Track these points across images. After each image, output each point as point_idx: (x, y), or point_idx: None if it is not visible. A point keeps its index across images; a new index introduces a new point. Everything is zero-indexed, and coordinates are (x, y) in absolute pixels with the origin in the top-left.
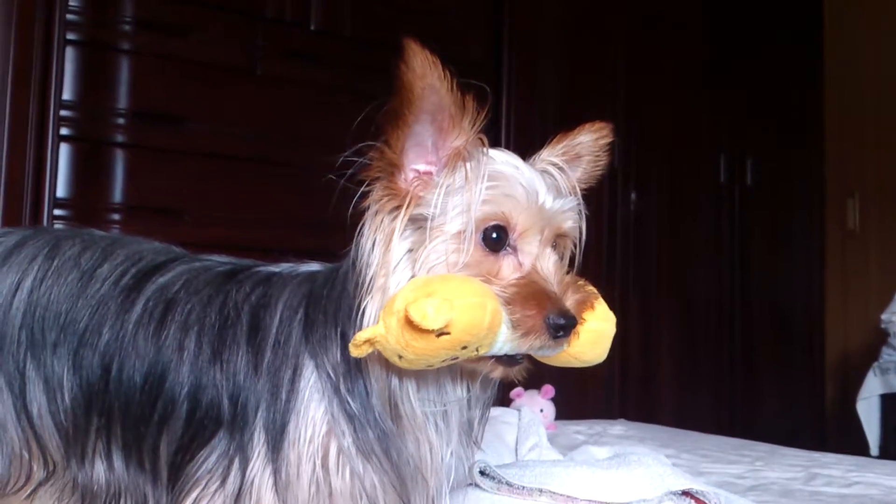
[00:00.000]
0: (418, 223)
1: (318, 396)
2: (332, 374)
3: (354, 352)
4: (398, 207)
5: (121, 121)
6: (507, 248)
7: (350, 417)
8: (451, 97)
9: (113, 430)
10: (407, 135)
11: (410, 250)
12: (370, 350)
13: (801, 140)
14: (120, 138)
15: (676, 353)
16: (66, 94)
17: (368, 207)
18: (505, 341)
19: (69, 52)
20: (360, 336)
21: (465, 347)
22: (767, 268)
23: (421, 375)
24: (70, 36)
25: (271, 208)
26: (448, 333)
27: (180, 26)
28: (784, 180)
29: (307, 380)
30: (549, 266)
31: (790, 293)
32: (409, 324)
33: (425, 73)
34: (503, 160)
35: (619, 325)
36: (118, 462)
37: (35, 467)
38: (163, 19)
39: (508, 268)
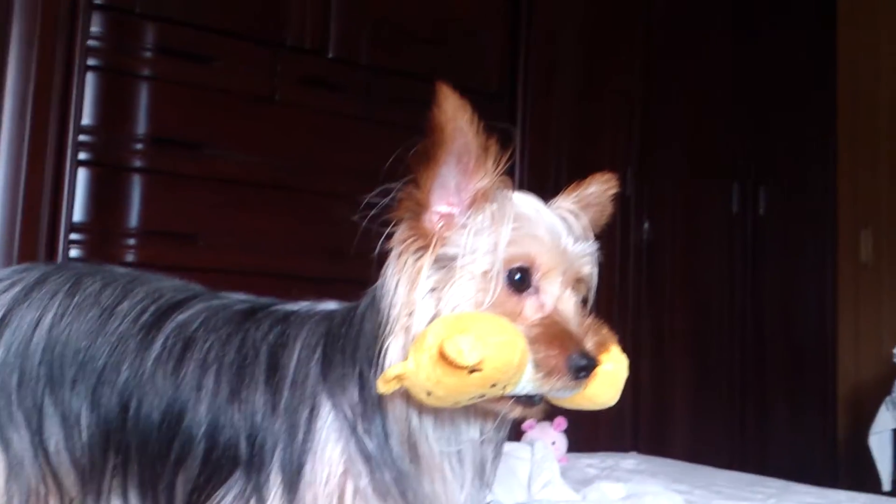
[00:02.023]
0: (442, 263)
1: (335, 436)
2: (349, 415)
3: (382, 388)
4: (423, 247)
5: (139, 146)
6: (531, 288)
7: (367, 458)
8: (478, 140)
9: (130, 468)
10: (436, 176)
11: (433, 289)
12: (398, 386)
13: (815, 171)
14: (138, 163)
15: (689, 385)
16: (86, 119)
17: (392, 247)
18: (528, 381)
19: (89, 78)
20: (390, 372)
21: (493, 385)
22: (780, 300)
23: (438, 416)
24: (91, 61)
25: (287, 235)
26: (480, 371)
27: (200, 54)
28: (797, 211)
29: (324, 420)
30: (570, 307)
31: (803, 325)
32: (443, 360)
33: (456, 115)
34: (524, 202)
35: (631, 355)
36: (134, 500)
37: (52, 503)
38: (182, 47)
39: (531, 308)
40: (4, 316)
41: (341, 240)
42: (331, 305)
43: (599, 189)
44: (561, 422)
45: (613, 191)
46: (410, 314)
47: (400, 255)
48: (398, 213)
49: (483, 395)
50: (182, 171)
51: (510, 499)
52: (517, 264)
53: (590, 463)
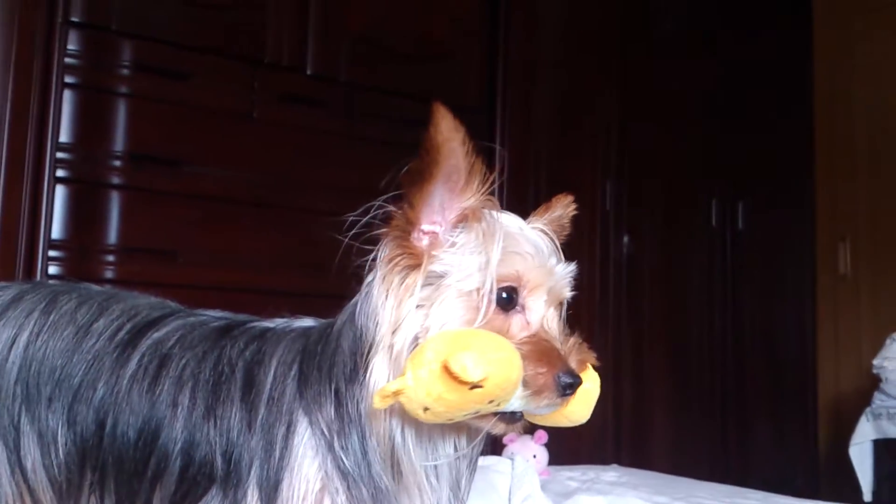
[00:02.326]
0: (429, 280)
1: (311, 453)
2: (325, 432)
3: (379, 403)
4: (411, 266)
5: (117, 163)
6: (517, 306)
7: (344, 475)
8: (468, 159)
9: (106, 486)
10: (429, 194)
11: (419, 307)
12: (393, 402)
13: (793, 185)
14: (116, 180)
15: (669, 397)
16: (63, 137)
17: (377, 265)
18: (517, 398)
19: (67, 95)
20: (389, 388)
21: (491, 402)
22: (759, 312)
23: (419, 432)
24: (68, 79)
25: (266, 251)
26: (481, 387)
27: (177, 70)
28: (776, 225)
29: (301, 436)
30: (554, 326)
31: (782, 338)
32: (447, 375)
33: (451, 135)
34: (509, 221)
35: (611, 368)
36: None
37: None
38: (160, 64)
39: (517, 326)
40: None
41: (320, 256)
42: (307, 322)
43: (564, 211)
44: (542, 435)
45: (572, 212)
46: (395, 332)
47: (387, 273)
48: (388, 231)
49: (478, 412)
50: (160, 187)
51: None
52: (505, 283)
53: (571, 476)
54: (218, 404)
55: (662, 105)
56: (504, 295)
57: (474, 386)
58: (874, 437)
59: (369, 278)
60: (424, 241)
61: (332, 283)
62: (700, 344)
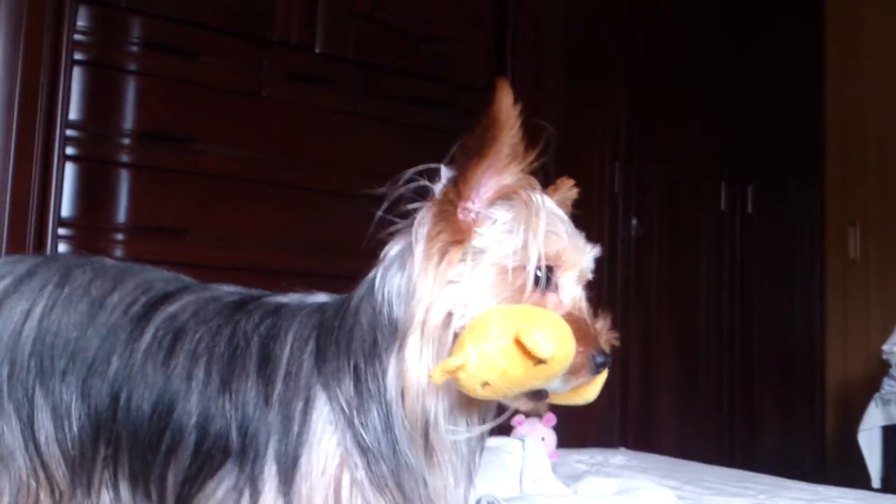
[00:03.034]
0: (469, 256)
1: (331, 428)
2: (345, 407)
3: (439, 377)
4: (455, 241)
5: (126, 141)
6: (551, 285)
7: (363, 450)
8: (517, 138)
9: (120, 460)
10: (484, 170)
11: (453, 282)
12: (449, 376)
13: (802, 168)
14: (125, 158)
15: (676, 381)
16: (73, 114)
17: (415, 239)
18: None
19: (76, 72)
20: (452, 363)
21: (548, 378)
22: (768, 296)
23: (449, 408)
24: (77, 56)
25: (274, 230)
26: (546, 363)
27: (187, 48)
28: (785, 208)
29: (319, 412)
30: (584, 305)
31: (791, 322)
32: (519, 350)
33: (511, 112)
34: (545, 202)
35: (619, 350)
36: (125, 492)
37: (42, 496)
38: (170, 41)
39: (551, 305)
40: None
41: (329, 235)
42: (321, 297)
43: (567, 193)
44: (550, 418)
45: (573, 196)
46: (429, 308)
47: (428, 247)
48: (435, 204)
49: (532, 388)
50: (169, 165)
51: (502, 493)
52: (544, 262)
53: (579, 459)
54: (233, 378)
55: (672, 87)
56: (540, 273)
57: (539, 361)
58: (883, 423)
59: (391, 251)
60: (470, 217)
61: (341, 261)
62: (708, 328)
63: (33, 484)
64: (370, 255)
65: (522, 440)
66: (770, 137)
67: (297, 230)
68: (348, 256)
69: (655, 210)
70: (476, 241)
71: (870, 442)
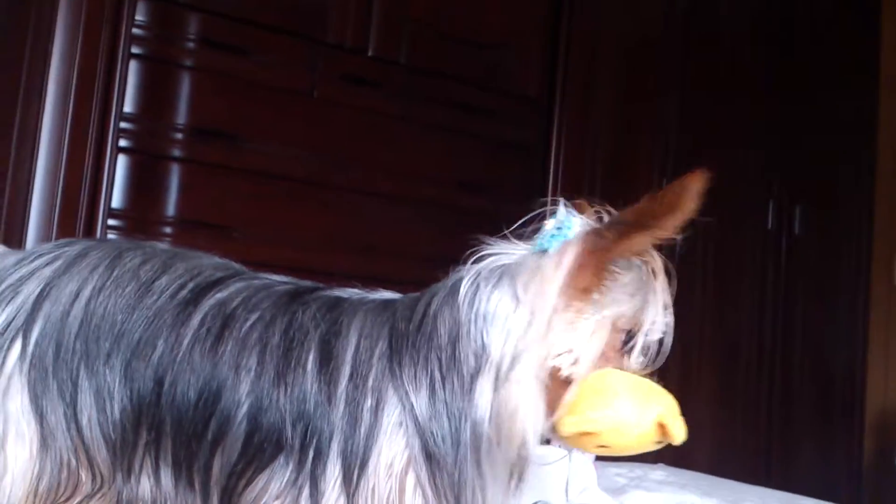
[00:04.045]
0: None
1: (401, 433)
2: (418, 415)
3: (568, 432)
4: (586, 288)
5: (178, 136)
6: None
7: (429, 456)
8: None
9: (162, 446)
10: (645, 238)
11: (571, 327)
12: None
13: (852, 192)
14: (177, 153)
15: (714, 400)
16: (128, 107)
17: (557, 269)
18: None
19: (132, 66)
20: (585, 427)
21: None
22: (810, 319)
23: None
24: (135, 49)
25: (321, 231)
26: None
27: (242, 47)
28: (832, 231)
29: (390, 416)
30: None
31: (832, 346)
32: (659, 432)
33: (695, 202)
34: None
35: (658, 368)
36: (166, 479)
37: (83, 477)
38: (225, 39)
39: (626, 367)
40: (45, 288)
41: (375, 237)
42: (385, 294)
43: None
44: None
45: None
46: (543, 345)
47: (566, 283)
48: (591, 243)
49: None
50: (220, 162)
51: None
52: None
53: (618, 472)
54: (289, 371)
55: (721, 104)
56: (626, 337)
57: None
58: None
59: (490, 264)
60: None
61: (385, 265)
62: (749, 347)
63: (74, 465)
64: (414, 259)
65: (569, 451)
66: (820, 157)
67: (342, 231)
68: (393, 259)
69: (701, 227)
70: (598, 294)
71: None
